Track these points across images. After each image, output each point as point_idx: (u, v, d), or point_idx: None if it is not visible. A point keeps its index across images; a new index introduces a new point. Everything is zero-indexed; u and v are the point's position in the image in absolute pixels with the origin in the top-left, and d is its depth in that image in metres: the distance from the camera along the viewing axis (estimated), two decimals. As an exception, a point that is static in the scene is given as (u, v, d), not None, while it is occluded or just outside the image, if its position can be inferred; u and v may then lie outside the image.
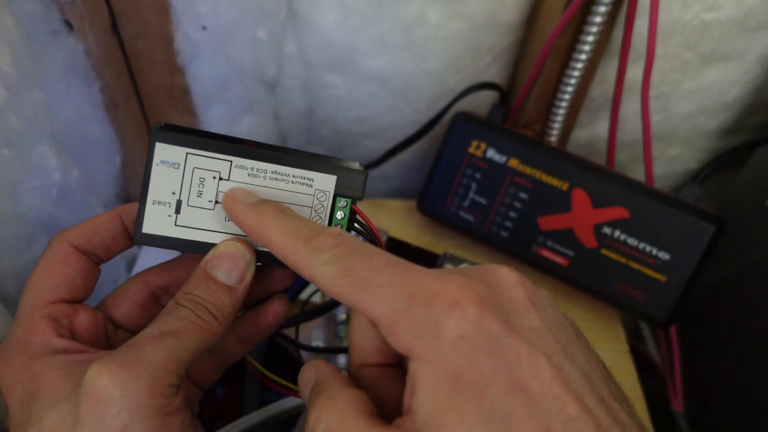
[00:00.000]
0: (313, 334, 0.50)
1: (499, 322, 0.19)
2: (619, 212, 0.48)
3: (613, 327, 0.52)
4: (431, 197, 0.54)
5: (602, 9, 0.45)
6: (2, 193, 0.34)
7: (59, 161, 0.38)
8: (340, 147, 0.63)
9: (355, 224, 0.27)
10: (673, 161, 0.62)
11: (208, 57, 0.50)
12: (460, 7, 0.49)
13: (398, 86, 0.54)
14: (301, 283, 0.46)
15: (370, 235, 0.27)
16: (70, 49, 0.43)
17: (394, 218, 0.59)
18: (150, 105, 0.52)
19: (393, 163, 0.62)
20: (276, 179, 0.26)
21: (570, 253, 0.50)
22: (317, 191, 0.27)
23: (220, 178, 0.26)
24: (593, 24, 0.46)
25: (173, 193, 0.26)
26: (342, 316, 0.49)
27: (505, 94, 0.56)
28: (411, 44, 0.50)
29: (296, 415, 0.44)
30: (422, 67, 0.53)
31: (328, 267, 0.21)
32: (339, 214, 0.27)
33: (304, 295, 0.46)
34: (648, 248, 0.47)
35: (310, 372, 0.23)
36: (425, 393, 0.18)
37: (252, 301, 0.29)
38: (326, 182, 0.27)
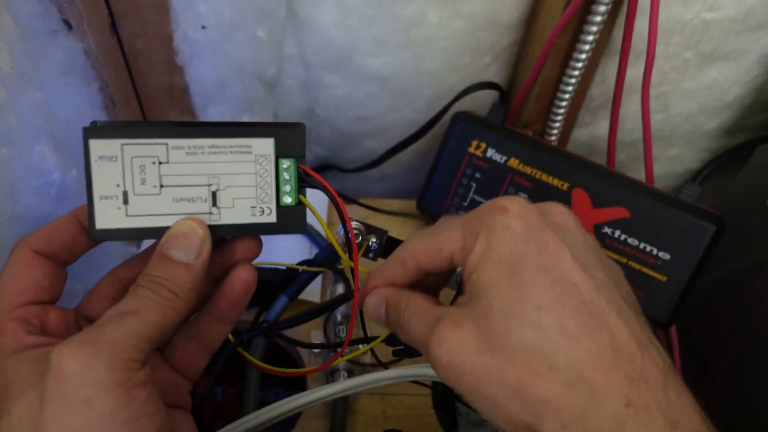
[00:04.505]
0: (313, 334, 0.50)
1: (537, 216, 0.24)
2: (620, 212, 0.48)
3: (613, 327, 0.52)
4: (431, 197, 0.54)
5: (602, 8, 0.45)
6: (1, 192, 0.34)
7: (58, 161, 0.38)
8: (340, 147, 0.63)
9: (307, 182, 0.28)
10: (673, 161, 0.62)
11: (207, 56, 0.49)
12: (459, 7, 0.48)
13: (398, 86, 0.54)
14: (301, 282, 0.46)
15: (326, 193, 0.27)
16: (69, 49, 0.43)
17: (394, 218, 0.59)
18: (149, 104, 0.52)
19: (393, 163, 0.62)
20: (215, 152, 0.26)
21: (570, 253, 0.49)
22: (258, 157, 0.27)
23: (160, 162, 0.26)
24: (593, 23, 0.46)
25: (117, 186, 0.26)
26: (340, 317, 0.48)
27: (505, 93, 0.56)
28: (411, 44, 0.50)
29: (296, 416, 0.44)
30: (422, 66, 0.53)
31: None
32: (285, 176, 0.27)
33: (304, 296, 0.46)
34: (648, 248, 0.47)
35: (375, 299, 0.28)
36: (476, 275, 0.24)
37: (220, 276, 0.29)
38: (264, 146, 0.27)
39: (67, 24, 0.42)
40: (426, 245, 0.27)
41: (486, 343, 0.23)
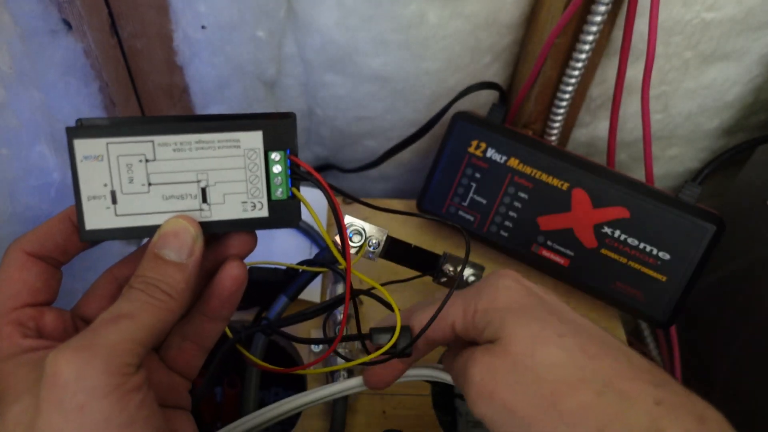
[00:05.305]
0: (313, 334, 0.50)
1: (527, 281, 0.30)
2: (620, 212, 0.48)
3: (612, 327, 0.52)
4: (431, 197, 0.54)
5: (602, 8, 0.45)
6: (1, 192, 0.34)
7: (58, 161, 0.38)
8: (340, 147, 0.63)
9: (300, 175, 0.27)
10: (673, 161, 0.62)
11: (207, 56, 0.49)
12: (459, 7, 0.48)
13: (398, 86, 0.54)
14: (301, 282, 0.46)
15: (317, 184, 0.27)
16: (68, 49, 0.43)
17: (394, 218, 0.59)
18: (149, 104, 0.52)
19: (393, 163, 0.62)
20: (202, 148, 0.26)
21: (570, 253, 0.49)
22: (247, 151, 0.26)
23: (146, 160, 0.26)
24: (593, 23, 0.46)
25: (105, 185, 0.25)
26: (340, 317, 0.48)
27: (505, 93, 0.56)
28: (410, 44, 0.50)
29: (296, 416, 0.44)
30: (422, 66, 0.53)
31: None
32: (276, 169, 0.26)
33: (304, 296, 0.46)
34: (648, 248, 0.47)
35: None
36: (492, 323, 0.27)
37: (214, 272, 0.29)
38: (253, 140, 0.26)
39: (67, 24, 0.42)
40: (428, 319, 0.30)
41: (516, 363, 0.26)
